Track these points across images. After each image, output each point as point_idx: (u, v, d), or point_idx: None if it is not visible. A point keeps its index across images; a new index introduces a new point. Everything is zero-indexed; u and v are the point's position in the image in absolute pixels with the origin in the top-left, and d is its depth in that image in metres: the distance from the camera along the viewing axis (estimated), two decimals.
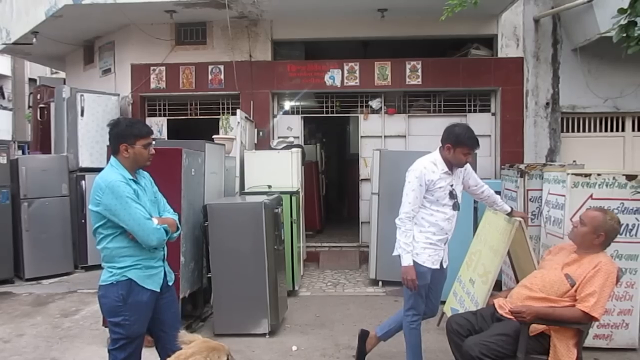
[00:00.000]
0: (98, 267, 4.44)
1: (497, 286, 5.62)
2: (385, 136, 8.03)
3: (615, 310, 4.21)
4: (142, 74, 8.08)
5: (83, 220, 7.30)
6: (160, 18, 7.64)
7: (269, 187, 6.30)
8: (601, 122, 7.85)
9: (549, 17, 7.56)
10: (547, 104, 7.66)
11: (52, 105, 8.55)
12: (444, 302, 4.64)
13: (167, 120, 8.33)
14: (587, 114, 7.76)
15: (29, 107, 10.15)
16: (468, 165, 3.75)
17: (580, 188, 4.15)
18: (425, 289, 3.57)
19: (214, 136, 6.47)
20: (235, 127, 6.50)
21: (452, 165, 3.53)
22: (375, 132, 8.04)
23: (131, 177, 2.86)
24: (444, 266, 3.63)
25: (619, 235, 4.22)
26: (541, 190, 4.83)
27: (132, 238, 2.79)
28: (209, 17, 7.77)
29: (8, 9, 9.39)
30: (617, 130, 7.84)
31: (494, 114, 7.90)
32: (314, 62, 7.97)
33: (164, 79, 8.04)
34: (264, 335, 4.71)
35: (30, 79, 20.99)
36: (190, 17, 7.74)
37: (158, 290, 2.91)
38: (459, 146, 3.43)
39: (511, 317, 3.13)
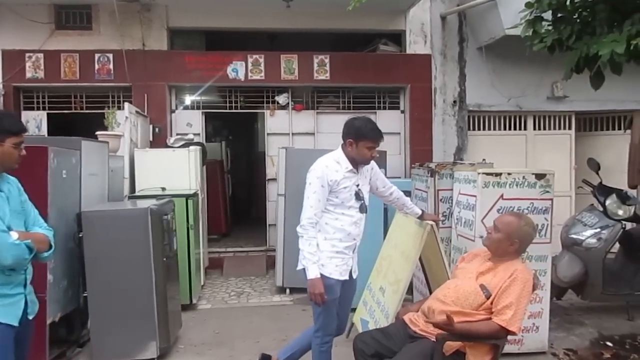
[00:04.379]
0: None
1: (409, 290, 5.43)
2: (293, 133, 7.61)
3: (525, 314, 4.06)
4: (15, 61, 7.03)
5: None
6: None
7: (163, 189, 5.67)
8: (505, 120, 7.95)
9: (455, 14, 7.53)
10: (455, 102, 7.63)
11: None
12: (354, 310, 4.32)
13: (47, 114, 7.33)
14: (492, 112, 7.83)
15: None
16: (375, 165, 3.43)
17: (491, 188, 3.96)
18: (335, 304, 3.18)
19: (97, 132, 5.69)
20: (123, 122, 5.76)
21: (356, 163, 3.17)
22: (283, 129, 7.60)
23: None
24: (354, 276, 3.27)
25: None
26: (452, 190, 4.63)
27: None
28: None
29: None
30: (520, 128, 7.98)
31: (403, 112, 7.75)
32: (215, 53, 7.37)
33: (42, 67, 7.05)
34: None
35: None
36: None
37: (16, 324, 2.30)
38: (361, 140, 3.08)
39: (424, 334, 2.83)
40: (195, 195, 5.69)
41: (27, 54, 7.05)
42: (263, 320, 5.14)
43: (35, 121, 7.29)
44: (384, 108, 7.78)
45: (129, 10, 7.06)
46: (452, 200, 4.62)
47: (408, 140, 7.63)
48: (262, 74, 7.34)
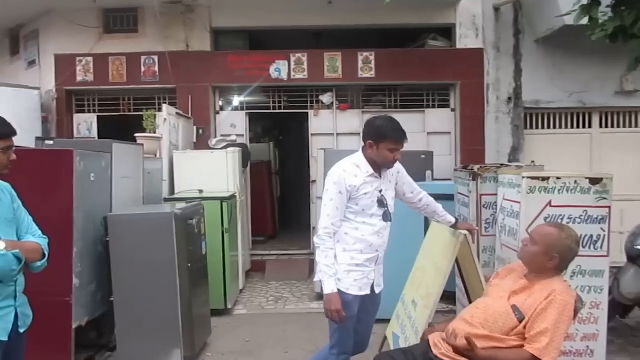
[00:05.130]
0: None
1: (452, 300, 5.07)
2: (337, 134, 7.39)
3: (578, 336, 3.62)
4: (67, 65, 7.25)
5: None
6: (85, 3, 6.84)
7: (200, 191, 5.60)
8: (566, 118, 7.34)
9: (510, 5, 7.03)
10: (510, 98, 7.12)
11: None
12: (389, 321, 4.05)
13: (98, 117, 7.51)
14: (551, 109, 7.25)
15: None
16: (401, 168, 3.12)
17: (537, 194, 3.54)
18: (352, 321, 2.93)
19: (136, 135, 5.72)
20: (162, 124, 5.76)
21: (379, 166, 2.88)
22: (327, 130, 7.39)
23: None
24: (376, 291, 3.00)
25: (582, 248, 3.68)
26: (496, 195, 4.23)
27: None
28: (138, 2, 7.00)
29: None
30: (584, 126, 7.35)
31: (453, 110, 7.33)
32: (257, 52, 7.28)
33: (91, 70, 7.23)
34: None
35: None
36: (117, 2, 6.97)
37: (4, 338, 2.20)
38: (382, 141, 2.79)
39: None
40: (232, 197, 5.58)
41: (78, 58, 7.25)
42: (296, 329, 4.94)
43: (86, 124, 7.49)
44: (433, 106, 7.39)
45: (172, 12, 7.10)
46: (496, 206, 4.23)
47: (458, 140, 7.20)
48: (305, 73, 7.16)
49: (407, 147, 6.94)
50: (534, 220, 3.56)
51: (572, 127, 7.33)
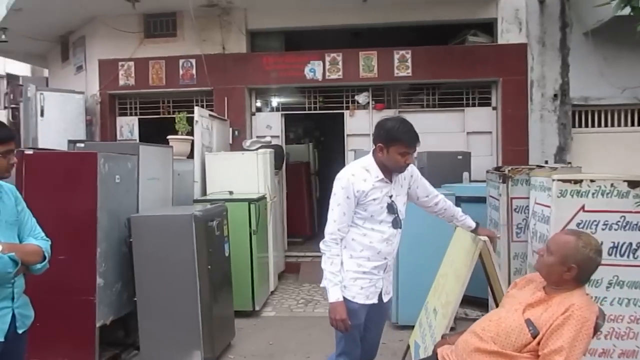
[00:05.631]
0: None
1: (485, 307, 4.82)
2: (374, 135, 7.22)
3: (615, 352, 3.34)
4: (110, 70, 7.51)
5: None
6: (126, 9, 7.03)
7: (231, 192, 5.61)
8: (619, 115, 6.86)
9: None
10: (555, 95, 6.74)
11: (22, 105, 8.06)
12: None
13: (139, 120, 7.72)
14: (602, 106, 6.81)
15: (5, 107, 9.75)
16: (416, 171, 2.97)
17: (568, 197, 3.29)
18: (359, 329, 2.81)
19: (168, 137, 5.81)
20: (195, 126, 5.82)
21: (389, 170, 2.74)
22: (363, 130, 7.26)
23: None
24: (385, 299, 2.86)
25: (619, 257, 3.40)
26: (528, 198, 3.99)
27: None
28: (177, 6, 7.13)
29: None
30: (639, 124, 6.85)
31: (494, 108, 7.02)
32: (292, 53, 7.25)
33: (132, 75, 7.45)
34: None
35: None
36: (156, 7, 7.12)
37: (0, 339, 2.24)
38: (392, 144, 2.63)
39: None
40: (261, 199, 5.56)
41: (120, 63, 7.48)
42: (321, 334, 4.84)
43: (128, 126, 7.72)
44: (473, 105, 7.11)
45: (209, 15, 7.19)
46: (528, 210, 3.98)
47: (500, 140, 6.89)
48: (340, 72, 7.07)
49: (444, 147, 6.77)
50: (565, 226, 3.31)
51: (625, 125, 6.86)
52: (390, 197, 2.75)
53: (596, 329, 2.25)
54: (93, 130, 7.59)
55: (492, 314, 2.54)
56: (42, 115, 6.94)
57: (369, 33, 7.62)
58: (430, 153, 6.13)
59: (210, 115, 6.35)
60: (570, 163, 5.44)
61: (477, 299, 4.77)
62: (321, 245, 2.77)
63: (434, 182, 5.71)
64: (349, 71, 7.04)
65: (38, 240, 2.40)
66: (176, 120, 6.20)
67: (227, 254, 4.53)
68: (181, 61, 7.32)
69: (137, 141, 7.48)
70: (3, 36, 8.03)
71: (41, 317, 3.92)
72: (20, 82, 10.06)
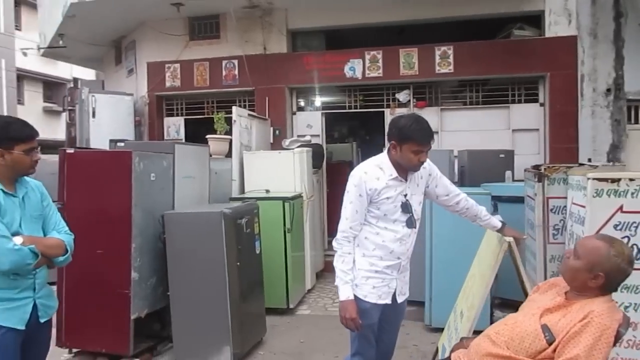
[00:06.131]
0: None
1: (516, 310, 4.63)
2: None
3: None
4: (157, 72, 7.77)
5: None
6: (172, 13, 7.25)
7: (267, 191, 5.68)
8: None
9: None
10: (609, 90, 6.34)
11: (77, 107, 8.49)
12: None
13: (185, 120, 7.95)
14: None
15: (63, 110, 10.29)
16: (435, 169, 2.88)
17: (604, 197, 3.09)
18: (372, 329, 2.77)
19: (207, 136, 5.95)
20: (233, 125, 5.92)
21: (404, 169, 2.68)
22: None
23: (0, 187, 2.34)
24: (399, 300, 2.80)
25: None
26: (566, 198, 3.79)
27: None
28: (220, 9, 7.28)
29: (45, 14, 9.55)
30: None
31: (542, 104, 6.73)
32: (332, 52, 7.23)
33: (178, 76, 7.68)
34: None
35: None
36: (201, 10, 7.30)
37: (21, 327, 2.34)
38: (405, 142, 2.57)
39: None
40: (296, 197, 5.59)
41: (167, 65, 7.72)
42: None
43: (175, 126, 7.96)
44: (519, 101, 6.85)
45: (251, 17, 7.30)
46: (566, 210, 3.78)
47: (548, 137, 6.60)
48: (380, 70, 7.00)
49: (488, 145, 6.54)
50: (601, 228, 3.12)
51: None
52: (405, 196, 2.68)
53: (617, 338, 2.10)
54: (142, 130, 7.89)
55: (508, 318, 2.43)
56: (93, 116, 7.28)
57: (412, 30, 7.49)
58: (470, 151, 5.96)
59: (249, 114, 6.45)
60: (613, 161, 5.09)
61: (509, 300, 4.60)
62: (333, 243, 2.76)
63: (474, 181, 5.62)
64: (389, 69, 6.95)
65: (61, 234, 2.51)
66: (215, 120, 6.33)
67: (258, 252, 4.58)
68: (224, 62, 7.47)
69: (183, 141, 7.71)
70: (60, 42, 8.47)
71: (81, 308, 4.18)
72: (78, 86, 10.59)
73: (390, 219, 2.67)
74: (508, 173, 5.82)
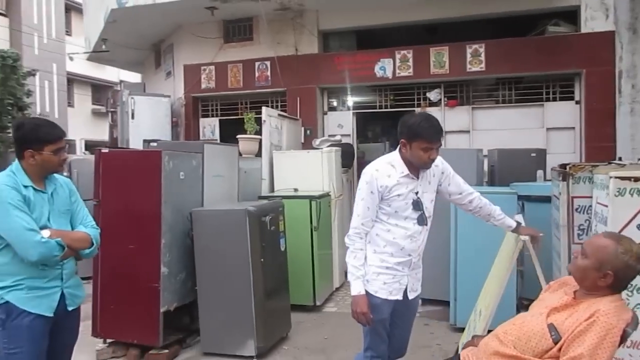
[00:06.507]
0: None
1: None
2: (445, 132, 7.03)
3: None
4: (193, 74, 8.02)
5: None
6: (207, 16, 7.47)
7: (295, 190, 5.79)
8: None
9: None
10: None
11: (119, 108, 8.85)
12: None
13: (219, 120, 8.16)
14: None
15: (106, 111, 10.74)
16: (448, 167, 2.90)
17: (627, 197, 3.03)
18: (383, 325, 2.80)
19: (238, 136, 6.10)
20: (263, 125, 6.05)
21: (415, 167, 2.71)
22: None
23: (31, 184, 2.51)
24: (410, 296, 2.83)
25: None
26: (591, 197, 3.70)
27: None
28: (253, 11, 7.44)
29: (90, 19, 9.99)
30: None
31: (578, 102, 6.55)
32: (362, 52, 7.27)
33: (213, 78, 7.89)
34: (251, 358, 4.21)
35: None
36: (235, 13, 7.48)
37: (49, 314, 2.51)
38: (414, 140, 2.61)
39: None
40: (323, 196, 5.66)
41: (202, 67, 7.95)
42: None
43: (210, 127, 8.18)
44: (554, 99, 6.69)
45: (283, 19, 7.42)
46: (592, 210, 3.70)
47: (583, 136, 6.42)
48: (410, 70, 6.98)
49: (521, 144, 6.46)
50: (624, 227, 3.06)
51: None
52: (416, 193, 2.71)
53: (623, 338, 2.07)
54: (178, 131, 8.15)
55: (517, 317, 2.43)
56: (132, 117, 7.58)
57: (444, 29, 7.44)
58: (501, 150, 5.87)
59: (279, 115, 6.57)
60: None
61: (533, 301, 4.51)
62: (345, 239, 2.80)
63: (504, 181, 5.55)
64: (419, 68, 6.93)
65: (88, 228, 2.67)
66: (245, 121, 6.48)
67: (282, 249, 4.68)
68: (257, 64, 7.63)
69: (218, 141, 7.92)
70: (103, 46, 8.85)
71: (115, 300, 4.39)
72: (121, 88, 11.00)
73: (402, 216, 2.70)
74: (539, 172, 5.71)
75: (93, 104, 23.57)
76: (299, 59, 7.42)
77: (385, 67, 7.06)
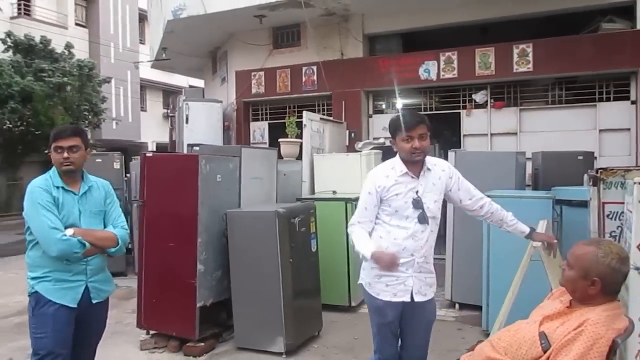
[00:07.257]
0: None
1: None
2: (491, 134, 6.92)
3: None
4: (244, 80, 8.32)
5: None
6: (257, 24, 7.74)
7: (334, 192, 5.89)
8: None
9: None
10: None
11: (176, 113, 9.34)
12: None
13: (269, 124, 8.42)
14: None
15: (167, 116, 11.32)
16: (456, 173, 2.91)
17: None
18: (389, 328, 2.84)
19: (279, 140, 6.29)
20: (304, 129, 6.20)
21: (417, 165, 2.75)
22: (480, 130, 6.99)
23: (62, 185, 2.77)
24: (416, 299, 2.81)
25: None
26: (623, 203, 3.55)
27: None
28: (301, 18, 7.62)
29: (152, 30, 10.60)
30: None
31: (634, 102, 6.21)
32: (406, 55, 7.26)
33: (262, 83, 8.16)
34: (280, 354, 4.36)
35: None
36: (283, 20, 7.70)
37: (73, 305, 2.75)
38: (396, 135, 2.70)
39: None
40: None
41: (253, 73, 8.23)
42: None
43: (260, 130, 8.46)
44: (607, 99, 6.39)
45: (329, 24, 7.56)
46: (623, 215, 3.55)
47: (639, 137, 6.07)
48: (455, 71, 6.90)
49: (570, 146, 6.28)
50: None
51: None
52: (417, 192, 2.74)
53: (612, 349, 2.03)
54: (230, 134, 8.49)
55: (515, 324, 2.42)
56: (187, 122, 7.98)
57: (494, 29, 7.27)
58: (545, 153, 5.68)
59: (321, 118, 6.70)
60: None
61: None
62: (348, 230, 2.87)
63: (548, 184, 5.37)
64: (464, 69, 6.84)
65: (117, 228, 2.88)
66: (286, 124, 6.66)
67: (314, 250, 4.80)
68: (304, 68, 7.81)
69: (267, 144, 8.18)
70: (164, 55, 9.38)
71: (157, 294, 4.69)
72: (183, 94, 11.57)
73: (403, 216, 2.73)
74: (587, 176, 5.47)
75: (163, 108, 24.79)
76: (345, 63, 7.52)
77: (430, 70, 7.02)
